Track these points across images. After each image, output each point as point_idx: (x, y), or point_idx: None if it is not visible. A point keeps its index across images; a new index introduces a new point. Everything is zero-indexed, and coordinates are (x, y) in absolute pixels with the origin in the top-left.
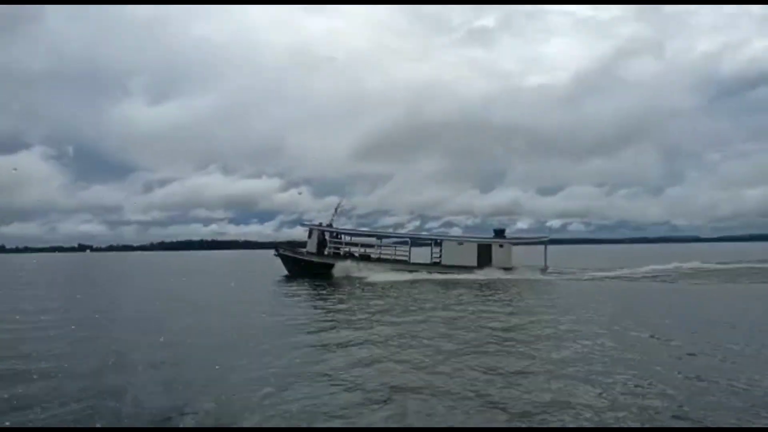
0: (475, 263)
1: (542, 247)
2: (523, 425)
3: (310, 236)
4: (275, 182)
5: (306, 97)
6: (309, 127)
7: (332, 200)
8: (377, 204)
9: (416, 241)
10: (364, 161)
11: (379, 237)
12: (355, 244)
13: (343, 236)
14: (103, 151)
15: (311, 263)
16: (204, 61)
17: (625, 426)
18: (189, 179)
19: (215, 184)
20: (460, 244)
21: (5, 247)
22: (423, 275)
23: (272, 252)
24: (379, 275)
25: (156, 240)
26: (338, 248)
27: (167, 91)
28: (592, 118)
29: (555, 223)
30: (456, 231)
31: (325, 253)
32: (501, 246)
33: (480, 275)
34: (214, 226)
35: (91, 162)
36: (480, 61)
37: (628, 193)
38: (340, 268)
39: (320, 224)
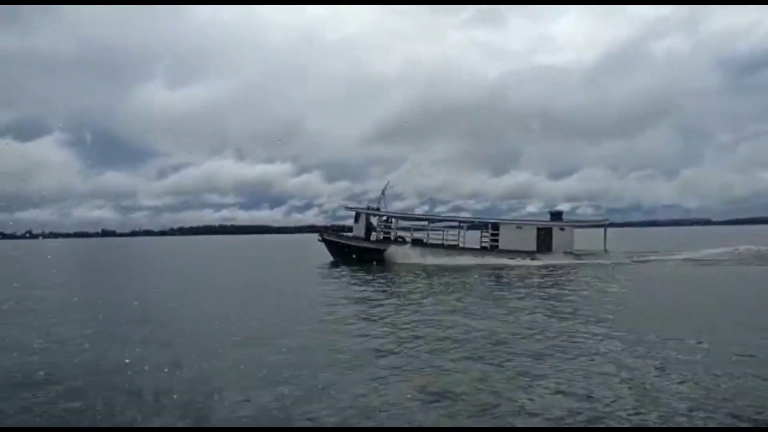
0: (534, 248)
1: (602, 230)
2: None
3: (357, 220)
4: (288, 167)
5: (318, 81)
6: (323, 111)
7: (343, 185)
8: (389, 188)
9: (470, 225)
10: (377, 145)
11: (431, 221)
12: (406, 229)
13: (392, 220)
14: (121, 137)
15: (362, 249)
16: (221, 46)
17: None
18: (203, 164)
19: (228, 169)
20: (519, 227)
21: (32, 233)
22: (481, 260)
23: (292, 236)
24: (435, 260)
25: (174, 225)
26: (388, 233)
27: (187, 76)
28: (613, 98)
29: (564, 206)
30: (464, 215)
31: (373, 238)
32: (562, 229)
33: (542, 261)
34: (224, 212)
35: (107, 147)
36: (490, 42)
37: (642, 176)
38: (394, 254)
39: (368, 207)
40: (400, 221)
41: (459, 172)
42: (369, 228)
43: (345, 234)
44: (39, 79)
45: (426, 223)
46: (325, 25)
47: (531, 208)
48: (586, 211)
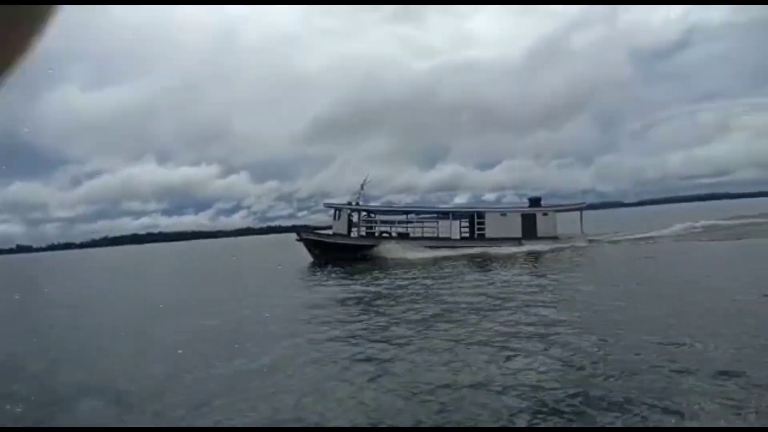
0: (520, 234)
1: (578, 213)
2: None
3: (338, 217)
4: (214, 169)
5: (243, 82)
6: (249, 112)
7: (272, 185)
8: (318, 186)
9: (454, 215)
10: (306, 144)
11: (417, 213)
12: (391, 222)
13: (375, 215)
14: (29, 144)
15: (347, 246)
16: (138, 47)
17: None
18: (121, 170)
19: (149, 174)
20: (504, 215)
21: None
22: (471, 250)
23: (229, 240)
24: (424, 254)
25: (91, 237)
26: (371, 228)
27: (103, 79)
28: (537, 91)
29: (491, 195)
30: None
31: (355, 234)
32: (545, 214)
33: (532, 246)
34: (145, 219)
35: (14, 156)
36: (413, 38)
37: (562, 164)
38: (382, 249)
39: (349, 203)
40: (383, 216)
41: (389, 167)
42: (350, 224)
43: (321, 232)
44: None
45: (405, 216)
46: (245, 25)
47: (459, 200)
48: (512, 199)
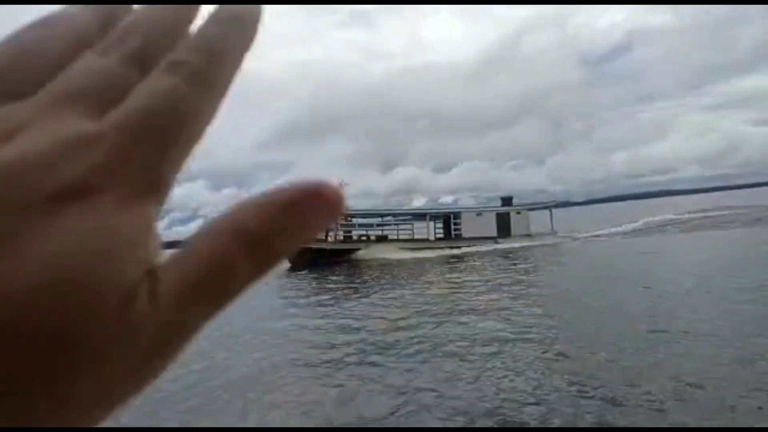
0: (495, 233)
1: (548, 211)
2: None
3: None
4: None
5: None
6: None
7: (231, 192)
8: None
9: (430, 216)
10: (266, 150)
11: (394, 215)
12: (369, 225)
13: (352, 219)
14: None
15: (325, 251)
16: None
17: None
18: None
19: None
20: (479, 214)
21: None
22: (450, 251)
23: None
24: (403, 255)
25: None
26: (350, 231)
27: None
28: (490, 94)
29: (448, 198)
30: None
31: (332, 239)
32: (518, 213)
33: (508, 244)
34: None
35: None
36: (368, 42)
37: (515, 165)
38: (365, 252)
39: None
40: (363, 219)
41: (348, 172)
42: (327, 228)
43: None
44: None
45: (381, 219)
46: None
47: (417, 202)
48: (467, 201)
